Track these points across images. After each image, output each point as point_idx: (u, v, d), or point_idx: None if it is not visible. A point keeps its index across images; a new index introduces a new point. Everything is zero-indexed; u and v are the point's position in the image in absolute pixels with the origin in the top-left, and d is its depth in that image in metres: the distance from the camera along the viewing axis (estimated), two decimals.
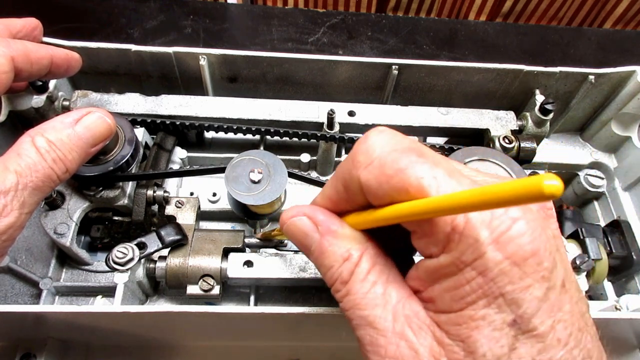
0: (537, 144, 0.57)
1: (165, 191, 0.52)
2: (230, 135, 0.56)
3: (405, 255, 0.33)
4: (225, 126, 0.55)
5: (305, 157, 0.59)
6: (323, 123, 0.56)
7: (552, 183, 0.18)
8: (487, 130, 0.58)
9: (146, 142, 0.55)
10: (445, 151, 0.55)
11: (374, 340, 0.27)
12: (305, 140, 0.56)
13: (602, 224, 0.66)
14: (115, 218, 0.52)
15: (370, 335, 0.27)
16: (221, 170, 0.49)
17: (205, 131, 0.57)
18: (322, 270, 0.30)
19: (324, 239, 0.30)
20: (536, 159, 0.59)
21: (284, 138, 0.56)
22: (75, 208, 0.49)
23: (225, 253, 0.49)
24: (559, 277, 0.26)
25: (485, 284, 0.24)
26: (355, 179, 0.28)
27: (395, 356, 0.27)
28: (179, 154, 0.59)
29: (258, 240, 0.51)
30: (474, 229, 0.25)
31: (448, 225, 0.25)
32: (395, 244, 0.31)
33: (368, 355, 0.28)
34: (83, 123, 0.40)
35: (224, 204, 0.57)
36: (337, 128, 0.56)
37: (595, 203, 0.69)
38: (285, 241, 0.51)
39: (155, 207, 0.53)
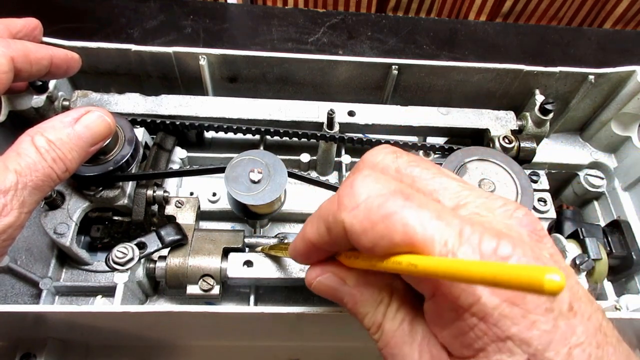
0: (537, 144, 0.57)
1: (165, 191, 0.52)
2: (230, 135, 0.56)
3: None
4: (225, 126, 0.55)
5: (305, 157, 0.59)
6: (323, 123, 0.56)
7: (554, 279, 0.18)
8: (487, 130, 0.58)
9: (146, 142, 0.55)
10: (446, 151, 0.55)
11: None
12: (305, 140, 0.56)
13: (602, 224, 0.66)
14: (115, 218, 0.52)
15: None
16: (221, 170, 0.49)
17: (205, 131, 0.57)
18: (359, 317, 0.31)
19: (356, 289, 0.30)
20: (536, 159, 0.59)
21: (284, 138, 0.56)
22: (75, 208, 0.49)
23: (225, 253, 0.49)
24: (564, 301, 0.25)
25: (489, 330, 0.24)
26: (339, 222, 0.28)
27: None
28: (179, 154, 0.59)
29: (258, 240, 0.51)
30: None
31: None
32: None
33: None
34: (83, 122, 0.40)
35: (224, 204, 0.57)
36: (337, 128, 0.56)
37: (595, 203, 0.69)
38: (286, 241, 0.51)
39: (155, 207, 0.53)
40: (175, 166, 0.58)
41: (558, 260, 0.27)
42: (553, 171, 0.67)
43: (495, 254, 0.24)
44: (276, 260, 0.48)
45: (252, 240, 0.51)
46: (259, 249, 0.49)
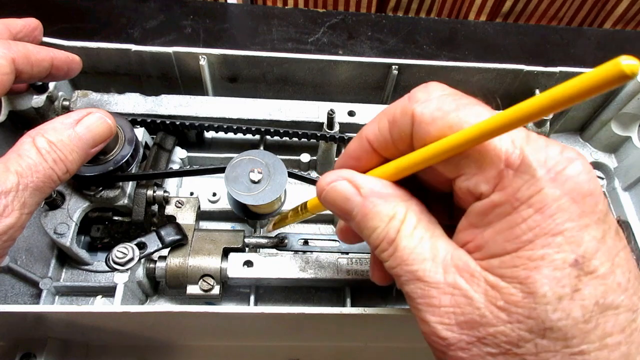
0: None
1: (165, 191, 0.52)
2: (230, 135, 0.56)
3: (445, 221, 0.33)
4: (225, 126, 0.55)
5: (305, 157, 0.59)
6: (323, 123, 0.56)
7: (630, 63, 0.19)
8: None
9: (146, 142, 0.55)
10: None
11: (425, 293, 0.27)
12: (305, 140, 0.56)
13: None
14: (115, 218, 0.52)
15: (422, 289, 0.27)
16: (221, 170, 0.49)
17: (205, 131, 0.57)
18: (367, 232, 0.29)
19: (367, 200, 0.29)
20: None
21: (284, 138, 0.56)
22: (75, 208, 0.49)
23: (225, 253, 0.49)
24: (613, 222, 0.25)
25: (544, 221, 0.24)
26: (408, 112, 0.28)
27: (451, 304, 0.26)
28: (179, 154, 0.59)
29: (258, 240, 0.51)
30: (531, 165, 0.24)
31: (501, 161, 0.25)
32: (434, 212, 0.31)
33: (420, 308, 0.27)
34: (84, 124, 0.40)
35: (224, 204, 0.57)
36: (337, 128, 0.56)
37: None
38: (286, 241, 0.51)
39: (155, 207, 0.53)
40: (175, 166, 0.58)
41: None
42: None
43: (561, 155, 0.25)
44: (276, 260, 0.49)
45: (252, 240, 0.51)
46: (269, 227, 0.49)
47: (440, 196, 0.32)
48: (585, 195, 0.24)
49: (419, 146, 0.28)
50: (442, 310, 0.26)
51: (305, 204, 0.41)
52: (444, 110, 0.27)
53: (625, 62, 0.19)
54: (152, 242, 0.47)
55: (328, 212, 0.58)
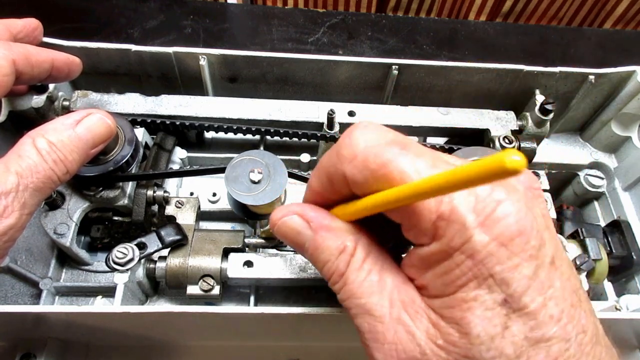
0: (537, 144, 0.57)
1: (165, 191, 0.52)
2: (230, 135, 0.56)
3: (398, 249, 0.34)
4: (225, 126, 0.55)
5: (305, 157, 0.59)
6: (323, 123, 0.56)
7: (514, 158, 0.19)
8: (487, 131, 0.58)
9: (146, 142, 0.55)
10: (446, 151, 0.55)
11: (372, 328, 0.28)
12: (305, 140, 0.56)
13: (602, 224, 0.66)
14: (115, 218, 0.52)
15: (369, 323, 0.28)
16: (221, 170, 0.49)
17: (205, 131, 0.57)
18: (319, 265, 0.31)
19: (317, 234, 0.30)
20: (536, 159, 0.59)
21: (284, 138, 0.56)
22: (75, 208, 0.49)
23: (225, 253, 0.49)
24: (548, 254, 0.26)
25: (475, 266, 0.25)
26: (340, 172, 0.29)
27: (394, 341, 0.27)
28: (179, 154, 0.59)
29: (258, 240, 0.51)
30: (460, 214, 0.25)
31: (433, 213, 0.26)
32: (388, 238, 0.31)
33: (368, 343, 0.28)
34: (84, 124, 0.40)
35: (224, 204, 0.57)
36: (337, 128, 0.56)
37: (595, 203, 0.69)
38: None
39: (155, 207, 0.53)
40: (175, 166, 0.58)
41: (549, 223, 0.28)
42: (553, 171, 0.67)
43: (490, 197, 0.25)
44: (276, 260, 0.49)
45: (252, 241, 0.51)
46: (260, 233, 0.50)
47: (391, 226, 0.33)
48: (513, 237, 0.25)
49: (360, 193, 0.29)
50: (386, 347, 0.27)
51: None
52: (371, 168, 0.27)
53: (509, 159, 0.19)
54: (152, 242, 0.46)
55: None
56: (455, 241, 0.25)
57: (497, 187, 0.26)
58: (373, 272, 0.29)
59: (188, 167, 0.58)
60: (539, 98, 0.60)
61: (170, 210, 0.51)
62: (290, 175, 0.50)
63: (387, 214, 0.29)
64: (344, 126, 0.57)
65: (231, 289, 0.54)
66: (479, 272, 0.25)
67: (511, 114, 0.59)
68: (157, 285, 0.53)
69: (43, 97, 0.52)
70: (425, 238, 0.27)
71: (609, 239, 0.60)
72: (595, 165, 0.68)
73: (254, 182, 0.46)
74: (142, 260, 0.47)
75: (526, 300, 0.25)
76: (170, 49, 0.57)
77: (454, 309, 0.26)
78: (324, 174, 0.31)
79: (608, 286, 0.59)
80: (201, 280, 0.47)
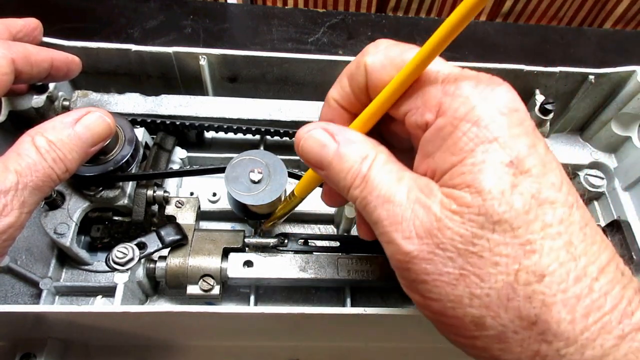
0: None
1: (165, 191, 0.52)
2: (230, 135, 0.56)
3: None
4: (225, 126, 0.55)
5: None
6: None
7: None
8: None
9: (146, 142, 0.55)
10: None
11: (390, 213, 0.29)
12: None
13: (602, 224, 0.66)
14: (115, 218, 0.52)
15: (387, 210, 0.29)
16: (221, 170, 0.49)
17: (205, 131, 0.57)
18: (341, 175, 0.32)
19: (341, 145, 0.32)
20: None
21: (284, 138, 0.56)
22: (75, 208, 0.49)
23: (225, 253, 0.49)
24: (542, 139, 0.29)
25: (480, 132, 0.27)
26: (361, 65, 0.32)
27: (411, 218, 0.28)
28: (179, 154, 0.59)
29: (258, 240, 0.51)
30: (463, 89, 0.28)
31: (439, 91, 0.29)
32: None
33: (386, 230, 0.29)
34: (83, 123, 0.40)
35: (224, 204, 0.57)
36: None
37: (595, 203, 0.68)
38: (286, 241, 0.51)
39: (155, 207, 0.53)
40: (175, 166, 0.58)
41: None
42: None
43: (489, 80, 0.30)
44: (276, 260, 0.48)
45: (252, 240, 0.51)
46: (264, 226, 0.50)
47: (404, 151, 0.35)
48: (511, 110, 0.28)
49: (375, 94, 0.32)
50: (404, 225, 0.29)
51: (292, 191, 0.43)
52: (391, 57, 0.31)
53: None
54: (152, 242, 0.46)
55: (327, 210, 0.58)
56: (460, 111, 0.28)
57: (495, 76, 0.30)
58: (393, 172, 0.31)
59: (188, 167, 0.58)
60: (539, 98, 0.60)
61: (170, 210, 0.51)
62: (290, 175, 0.50)
63: (393, 113, 0.32)
64: None
65: (231, 289, 0.54)
66: (485, 136, 0.27)
67: None
68: (157, 285, 0.53)
69: (43, 97, 0.52)
70: (431, 115, 0.29)
71: (609, 238, 0.60)
72: (595, 165, 0.68)
73: (254, 182, 0.46)
74: (142, 260, 0.47)
75: (529, 164, 0.27)
76: (170, 49, 0.57)
77: (464, 174, 0.27)
78: (345, 75, 0.35)
79: None
80: (201, 280, 0.47)
